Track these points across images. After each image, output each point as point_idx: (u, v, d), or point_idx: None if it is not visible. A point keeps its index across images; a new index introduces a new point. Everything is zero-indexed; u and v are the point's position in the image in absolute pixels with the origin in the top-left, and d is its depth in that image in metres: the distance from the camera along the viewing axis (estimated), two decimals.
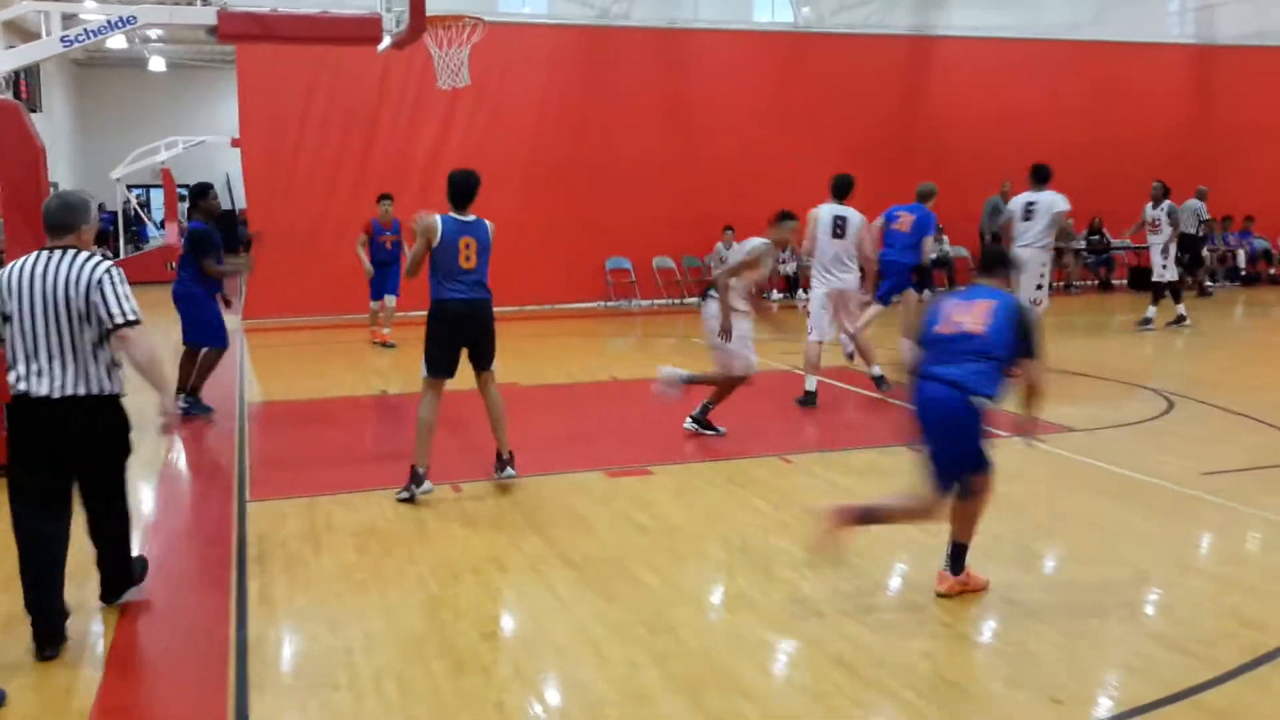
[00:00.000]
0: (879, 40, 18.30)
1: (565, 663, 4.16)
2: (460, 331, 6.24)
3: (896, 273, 10.08)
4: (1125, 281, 18.99)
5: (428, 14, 8.56)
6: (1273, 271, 19.63)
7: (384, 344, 12.61)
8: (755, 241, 7.75)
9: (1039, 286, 10.47)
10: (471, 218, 6.24)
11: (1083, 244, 18.28)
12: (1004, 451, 6.59)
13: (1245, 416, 8.23)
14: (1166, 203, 13.77)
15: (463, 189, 6.21)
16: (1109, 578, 4.97)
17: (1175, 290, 13.85)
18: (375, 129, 15.56)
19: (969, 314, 4.57)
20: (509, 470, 6.49)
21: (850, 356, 10.27)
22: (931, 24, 18.38)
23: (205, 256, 8.51)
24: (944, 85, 18.32)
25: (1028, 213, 10.56)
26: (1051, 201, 10.50)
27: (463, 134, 15.88)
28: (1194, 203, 16.79)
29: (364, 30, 8.86)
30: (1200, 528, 5.83)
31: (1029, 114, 18.32)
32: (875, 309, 10.04)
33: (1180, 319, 13.54)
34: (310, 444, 8.12)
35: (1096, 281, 18.92)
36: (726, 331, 7.39)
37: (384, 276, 12.57)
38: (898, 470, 6.81)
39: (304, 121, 15.33)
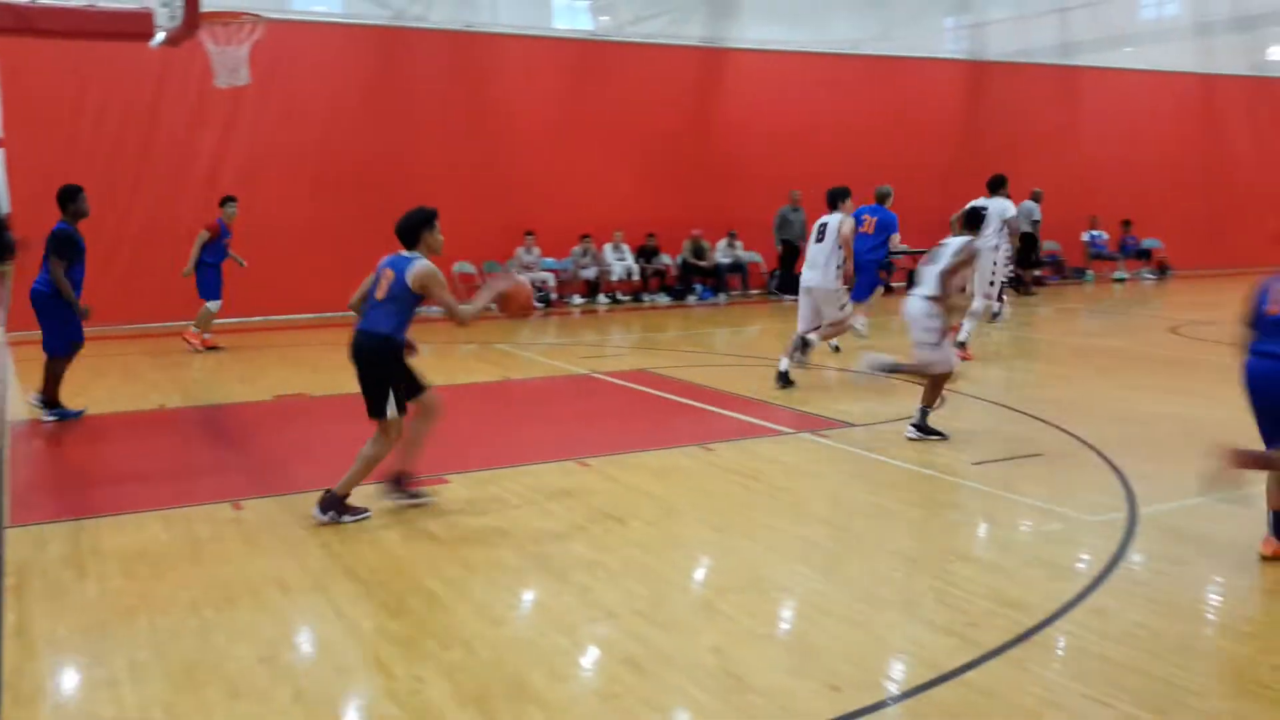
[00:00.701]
0: (674, 50, 18.68)
1: (349, 683, 4.03)
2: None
3: (867, 271, 11.31)
4: (905, 284, 19.97)
5: (203, 9, 8.18)
6: (1038, 274, 21.01)
7: (211, 348, 12.21)
8: (959, 241, 7.88)
9: (991, 284, 11.79)
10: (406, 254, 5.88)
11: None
12: (788, 446, 6.86)
13: (1011, 409, 8.80)
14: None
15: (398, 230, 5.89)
16: (858, 568, 5.19)
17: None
18: (154, 127, 14.78)
19: None
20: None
21: (835, 349, 11.44)
22: (723, 36, 18.88)
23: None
24: (737, 96, 18.87)
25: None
26: (1003, 208, 11.87)
27: (249, 134, 15.29)
28: (1029, 204, 18.70)
29: (134, 25, 8.42)
30: (969, 515, 6.17)
31: (819, 126, 19.10)
32: (854, 311, 10.84)
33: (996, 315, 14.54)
34: (79, 463, 7.62)
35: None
36: (943, 331, 7.72)
37: (219, 278, 12.40)
38: (695, 470, 6.99)
39: (75, 119, 14.41)
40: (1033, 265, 19.60)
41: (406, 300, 5.78)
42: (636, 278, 18.00)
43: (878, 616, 4.57)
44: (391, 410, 5.76)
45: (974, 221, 8.34)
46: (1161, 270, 22.32)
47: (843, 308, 10.06)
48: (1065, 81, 21.88)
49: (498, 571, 5.22)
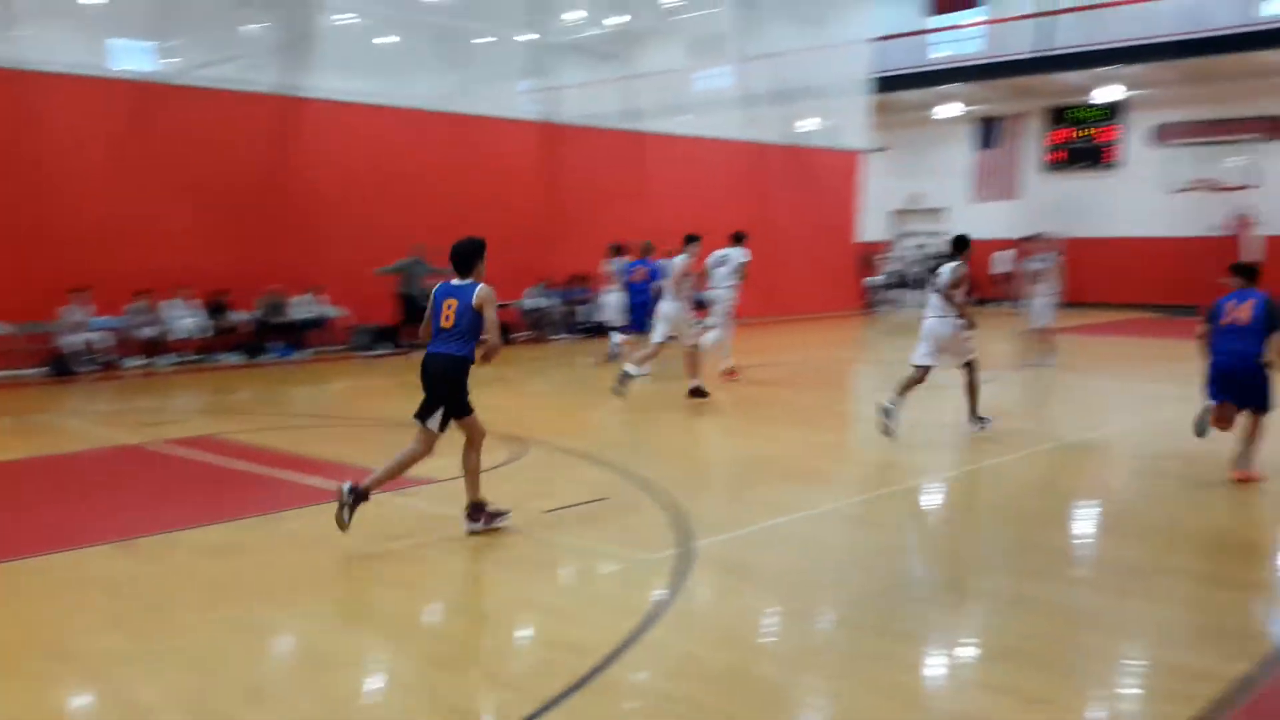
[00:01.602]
0: (247, 97, 17.84)
1: None
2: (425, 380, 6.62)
3: (639, 310, 14.43)
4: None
5: None
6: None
7: None
8: (951, 264, 9.84)
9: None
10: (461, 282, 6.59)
11: None
12: (365, 509, 6.63)
13: (585, 456, 9.11)
14: (620, 260, 17.03)
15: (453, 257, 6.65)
16: (424, 629, 5.14)
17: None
18: None
19: (1239, 310, 7.74)
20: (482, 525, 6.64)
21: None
22: (299, 84, 18.33)
23: None
24: (317, 147, 18.34)
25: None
26: (741, 254, 14.35)
27: None
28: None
29: None
30: (535, 565, 6.26)
31: (402, 178, 19.02)
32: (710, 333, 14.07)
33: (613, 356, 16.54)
34: None
35: None
36: (973, 324, 9.51)
37: None
38: (258, 544, 6.56)
39: None
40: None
41: (474, 322, 6.50)
42: (207, 335, 16.85)
43: (439, 677, 4.49)
44: (434, 422, 6.55)
45: (960, 245, 10.02)
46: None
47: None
48: (633, 145, 23.37)
49: (21, 680, 4.58)
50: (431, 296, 6.68)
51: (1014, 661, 4.61)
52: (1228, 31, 24.71)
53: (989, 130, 31.30)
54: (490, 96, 21.85)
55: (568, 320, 21.49)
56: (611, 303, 17.40)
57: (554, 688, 4.29)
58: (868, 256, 25.96)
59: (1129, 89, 27.82)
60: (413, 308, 17.64)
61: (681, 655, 4.68)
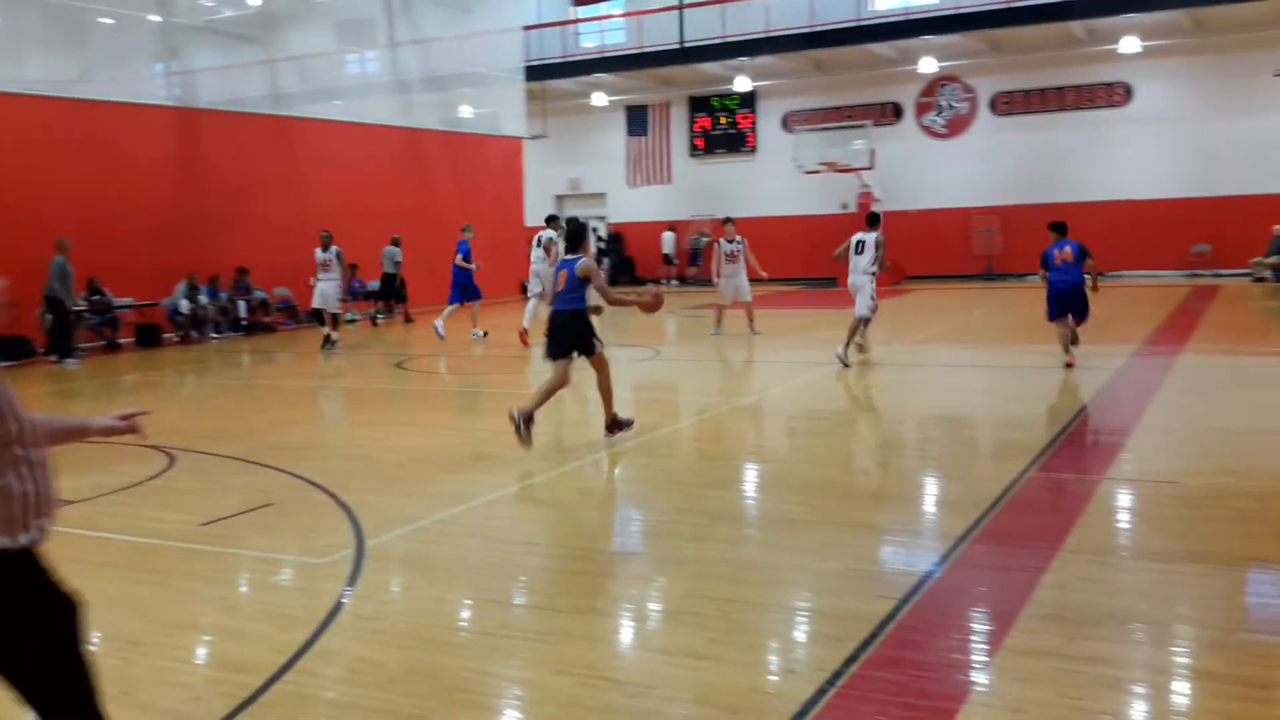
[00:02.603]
0: None
1: None
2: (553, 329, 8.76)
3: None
4: (133, 339, 18.75)
5: None
6: (269, 320, 21.12)
7: None
8: (874, 235, 13.09)
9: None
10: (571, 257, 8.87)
11: (84, 305, 17.55)
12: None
13: (242, 460, 8.59)
14: (335, 248, 17.53)
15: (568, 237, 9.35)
16: (99, 659, 4.65)
17: (336, 319, 17.65)
18: None
19: (1063, 253, 11.88)
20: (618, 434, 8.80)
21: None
22: None
23: None
24: None
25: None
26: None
27: None
28: (391, 249, 22.28)
29: None
30: (196, 581, 5.82)
31: (13, 170, 17.09)
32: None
33: (331, 340, 17.15)
34: None
35: (104, 342, 18.34)
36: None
37: None
38: None
39: None
40: (399, 299, 22.79)
41: (579, 286, 8.62)
42: None
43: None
44: (599, 345, 8.68)
45: (873, 222, 13.27)
46: (389, 309, 23.78)
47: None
48: (279, 131, 22.27)
49: None
50: (555, 268, 9.01)
51: (685, 623, 4.78)
52: (842, 25, 27.00)
53: (639, 118, 32.50)
54: (118, 80, 20.04)
55: (227, 317, 20.23)
56: (326, 290, 17.47)
57: (217, 712, 3.99)
58: (390, 252, 25.60)
59: (759, 79, 29.79)
60: (61, 310, 15.99)
61: (359, 660, 4.49)
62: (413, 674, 4.35)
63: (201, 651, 4.69)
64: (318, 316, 18.15)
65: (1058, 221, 12.41)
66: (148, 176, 19.32)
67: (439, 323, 17.18)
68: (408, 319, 22.42)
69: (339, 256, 17.57)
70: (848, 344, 12.74)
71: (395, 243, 22.46)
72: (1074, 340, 12.18)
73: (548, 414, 9.40)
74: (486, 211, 26.75)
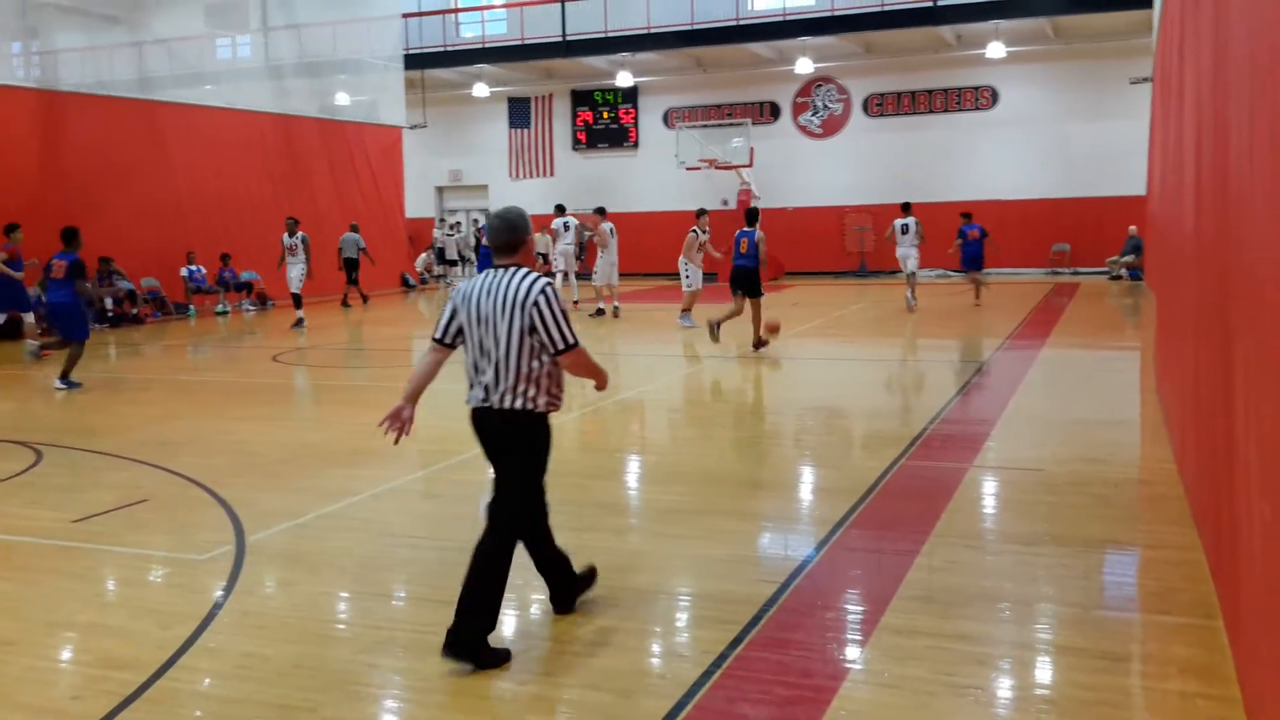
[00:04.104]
0: None
1: None
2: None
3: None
4: None
5: None
6: (136, 311, 20.39)
7: None
8: (758, 231, 13.90)
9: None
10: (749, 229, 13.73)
11: None
12: None
13: (114, 456, 8.32)
14: (300, 234, 18.61)
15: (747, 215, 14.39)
16: None
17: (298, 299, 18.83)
18: None
19: (744, 241, 13.71)
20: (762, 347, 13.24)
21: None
22: None
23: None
24: None
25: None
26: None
27: None
28: (353, 235, 23.09)
29: None
30: (72, 579, 5.65)
31: None
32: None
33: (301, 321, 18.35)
34: None
35: None
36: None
37: None
38: None
39: None
40: (355, 283, 23.49)
41: (754, 250, 13.44)
42: None
43: None
44: (762, 293, 13.64)
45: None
46: (262, 301, 23.20)
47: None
48: (147, 116, 21.51)
49: None
50: (735, 236, 13.67)
51: (574, 611, 4.85)
52: (722, 24, 27.36)
53: (521, 110, 32.35)
54: None
55: (92, 309, 19.42)
56: (291, 275, 18.82)
57: (99, 710, 3.90)
58: (416, 233, 26.30)
59: (641, 75, 29.97)
60: None
61: (244, 654, 4.44)
62: (300, 668, 4.33)
63: (80, 650, 4.57)
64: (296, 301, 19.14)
65: (966, 211, 19.04)
66: (4, 161, 18.43)
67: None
68: (364, 299, 23.55)
69: (304, 242, 18.60)
70: (686, 311, 16.36)
71: (354, 229, 23.38)
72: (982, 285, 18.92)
73: (436, 412, 9.31)
74: (366, 202, 26.35)
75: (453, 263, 31.01)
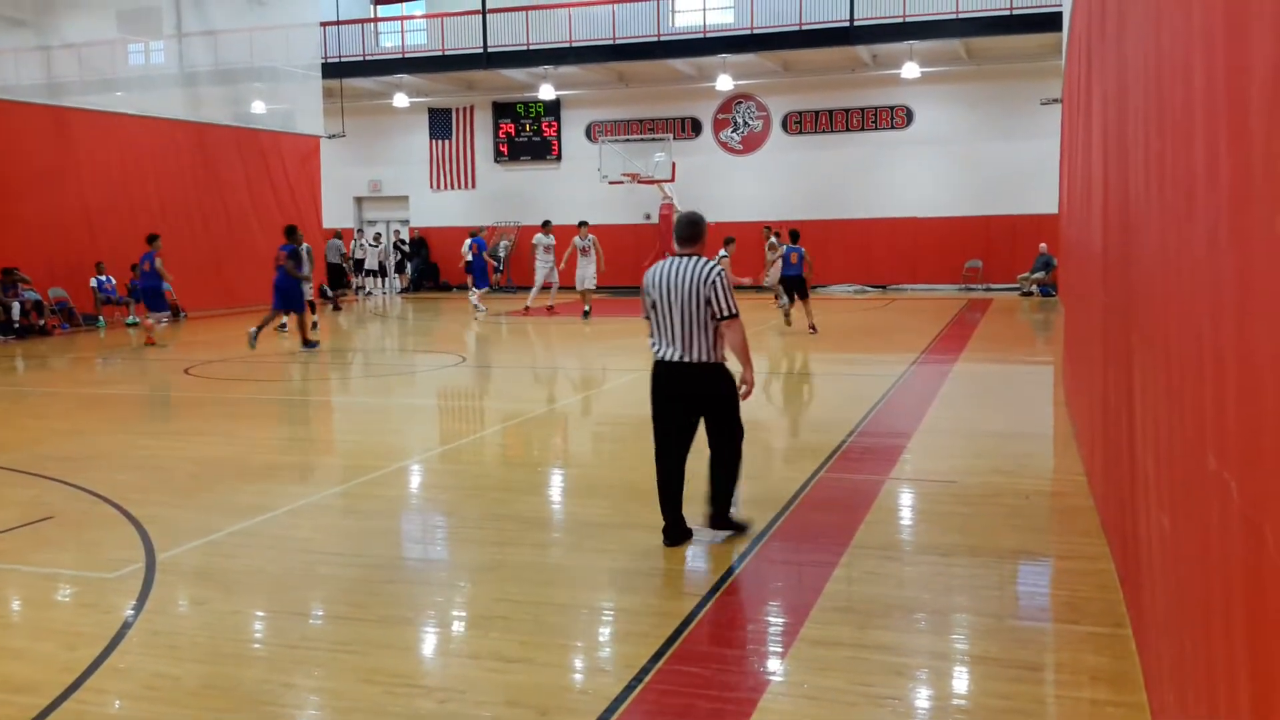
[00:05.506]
0: None
1: None
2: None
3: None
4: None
5: None
6: (44, 323, 19.78)
7: None
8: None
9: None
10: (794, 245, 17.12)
11: None
12: None
13: (17, 471, 8.05)
14: (305, 245, 17.75)
15: (791, 234, 17.99)
16: None
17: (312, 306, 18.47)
18: None
19: (793, 256, 17.41)
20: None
21: None
22: None
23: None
24: None
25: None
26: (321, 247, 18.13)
27: None
28: (336, 241, 24.89)
29: None
30: None
31: None
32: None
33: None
34: None
35: None
36: None
37: None
38: None
39: None
40: (343, 287, 25.66)
41: (802, 261, 17.08)
42: None
43: None
44: (807, 292, 17.25)
45: (795, 237, 17.66)
46: (176, 313, 22.66)
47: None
48: (55, 122, 20.90)
49: None
50: (783, 249, 16.69)
51: (494, 627, 4.82)
52: (644, 40, 27.52)
53: (441, 121, 32.13)
54: None
55: None
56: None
57: None
58: (335, 244, 25.96)
59: (563, 88, 29.99)
60: None
61: (154, 675, 4.31)
62: (211, 688, 4.23)
63: None
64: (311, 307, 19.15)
65: (794, 230, 18.46)
66: None
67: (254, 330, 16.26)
68: (335, 307, 24.59)
69: (308, 252, 17.87)
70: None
71: (338, 235, 25.04)
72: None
73: (357, 427, 9.20)
74: (281, 211, 25.89)
75: (371, 273, 30.63)
